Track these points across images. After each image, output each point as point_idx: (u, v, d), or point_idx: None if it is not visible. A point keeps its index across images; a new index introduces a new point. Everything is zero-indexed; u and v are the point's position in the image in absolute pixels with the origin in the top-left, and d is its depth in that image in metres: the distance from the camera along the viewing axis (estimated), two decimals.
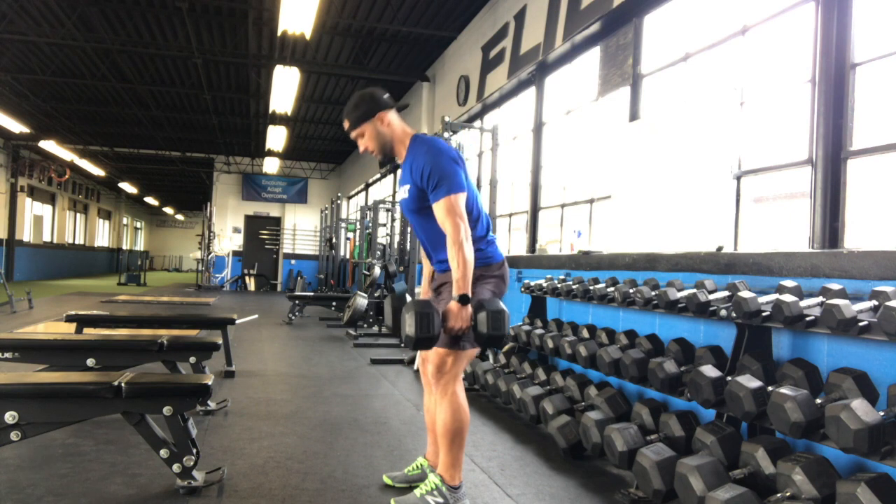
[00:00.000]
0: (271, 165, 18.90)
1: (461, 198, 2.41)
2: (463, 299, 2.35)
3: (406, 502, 2.54)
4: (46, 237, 22.11)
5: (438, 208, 2.42)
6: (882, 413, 2.07)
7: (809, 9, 3.75)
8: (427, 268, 2.91)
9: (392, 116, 2.61)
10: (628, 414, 3.38)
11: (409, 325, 2.28)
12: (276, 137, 14.57)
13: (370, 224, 12.21)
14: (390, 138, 2.61)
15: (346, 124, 2.63)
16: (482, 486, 2.89)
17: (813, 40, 3.68)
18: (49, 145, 16.57)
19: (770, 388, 2.43)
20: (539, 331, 4.52)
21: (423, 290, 2.95)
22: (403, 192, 2.62)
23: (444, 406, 2.50)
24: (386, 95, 2.64)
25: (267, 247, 20.90)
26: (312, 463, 3.11)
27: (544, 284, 4.78)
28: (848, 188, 3.48)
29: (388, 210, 11.70)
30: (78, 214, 26.00)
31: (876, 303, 2.36)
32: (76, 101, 14.34)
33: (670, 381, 3.02)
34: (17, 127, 14.00)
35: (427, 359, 2.67)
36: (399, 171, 2.74)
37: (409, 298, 2.68)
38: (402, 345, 2.39)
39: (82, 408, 2.59)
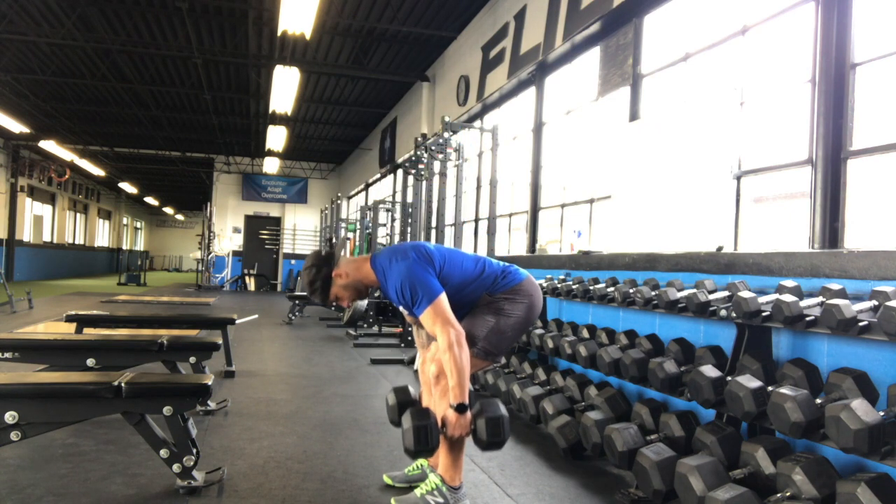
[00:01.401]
0: (271, 165, 18.90)
1: (441, 301, 2.44)
2: (460, 408, 2.37)
3: (406, 502, 2.54)
4: (46, 237, 22.11)
5: (425, 319, 2.45)
6: (882, 413, 2.07)
7: (809, 9, 3.75)
8: (421, 357, 2.92)
9: (343, 267, 2.66)
10: (628, 414, 3.38)
11: (407, 440, 2.33)
12: (276, 137, 14.57)
13: (370, 224, 12.22)
14: (356, 281, 2.67)
15: (318, 300, 2.70)
16: (482, 486, 2.89)
17: (813, 40, 3.68)
18: (49, 145, 16.57)
19: (770, 388, 2.43)
20: (539, 331, 4.51)
21: (424, 396, 2.89)
22: (403, 309, 2.68)
23: (444, 407, 2.50)
24: (323, 253, 2.70)
25: (267, 247, 20.90)
26: (312, 463, 3.11)
27: (544, 284, 4.78)
28: (848, 188, 3.48)
29: (388, 210, 11.70)
30: (78, 214, 26.00)
31: (876, 303, 2.36)
32: (76, 101, 14.34)
33: (670, 381, 3.02)
34: (17, 127, 14.00)
35: (427, 360, 2.67)
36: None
37: (412, 391, 2.71)
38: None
39: (82, 408, 2.59)
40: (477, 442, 2.39)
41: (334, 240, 16.17)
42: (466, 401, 2.38)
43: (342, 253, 2.76)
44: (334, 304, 2.75)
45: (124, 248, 32.81)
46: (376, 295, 8.59)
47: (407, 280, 2.46)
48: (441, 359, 2.42)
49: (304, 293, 12.76)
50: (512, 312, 2.60)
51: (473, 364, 2.57)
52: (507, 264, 2.77)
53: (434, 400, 2.60)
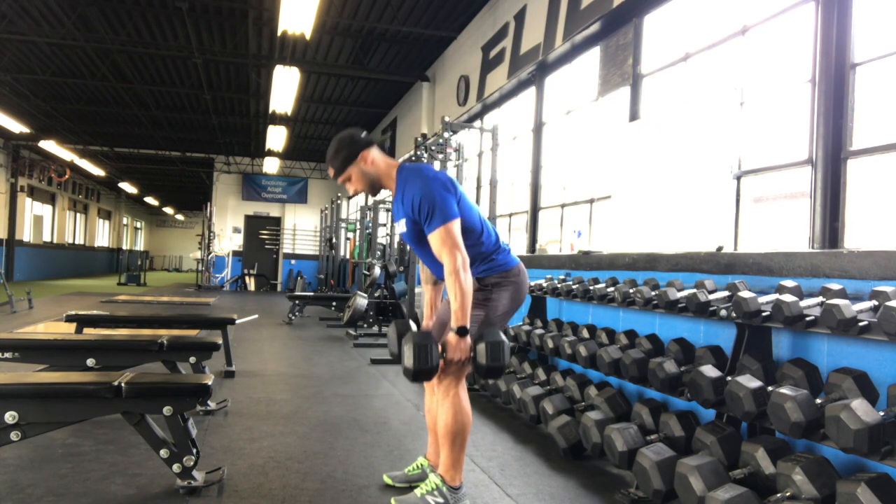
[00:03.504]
0: (271, 165, 18.90)
1: (455, 225, 2.41)
2: (461, 331, 2.36)
3: (406, 502, 2.54)
4: (46, 237, 22.11)
5: (434, 239, 2.42)
6: (882, 413, 2.07)
7: (809, 9, 3.75)
8: (429, 294, 2.91)
9: (374, 153, 2.63)
10: (628, 414, 3.38)
11: (407, 358, 2.30)
12: (276, 137, 14.57)
13: (370, 224, 12.21)
14: (376, 175, 2.63)
15: (331, 172, 2.65)
16: (482, 486, 2.89)
17: (813, 40, 3.68)
18: (49, 145, 16.57)
19: (770, 388, 2.43)
20: (539, 331, 4.51)
21: (425, 318, 2.92)
22: (401, 226, 2.63)
23: (445, 407, 2.50)
24: (364, 134, 2.65)
25: (267, 247, 20.90)
26: (312, 463, 3.11)
27: (544, 284, 4.78)
28: (848, 188, 3.48)
29: (388, 210, 11.69)
30: (78, 214, 26.00)
31: (876, 303, 2.36)
32: (76, 101, 14.34)
33: (670, 381, 3.02)
34: (17, 127, 14.00)
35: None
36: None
37: (412, 326, 2.68)
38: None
39: (82, 408, 2.59)
40: (477, 367, 2.36)
41: (334, 240, 16.18)
42: (468, 324, 2.36)
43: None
44: (342, 183, 2.64)
45: (124, 248, 32.81)
46: (376, 294, 8.59)
47: (428, 196, 2.42)
48: (446, 282, 2.39)
49: (304, 293, 12.76)
50: (498, 301, 2.57)
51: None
52: (497, 233, 2.71)
53: (437, 399, 2.60)
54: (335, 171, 2.63)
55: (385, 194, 13.69)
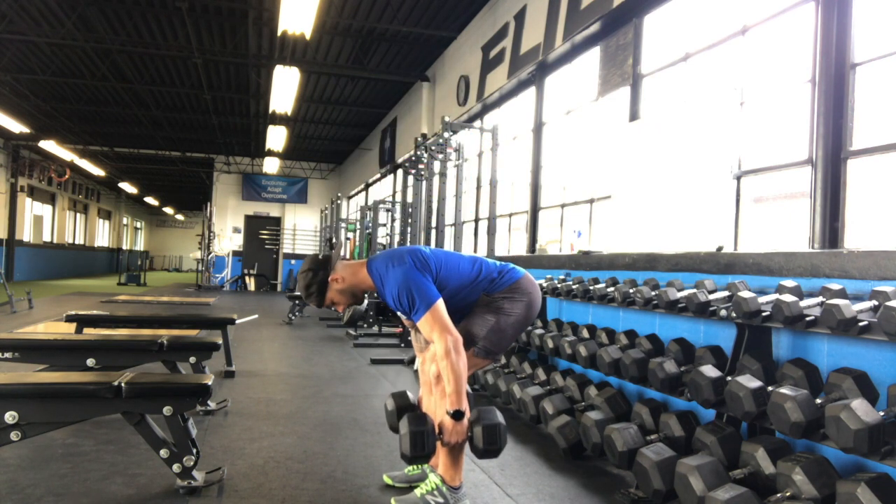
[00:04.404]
0: (271, 165, 18.90)
1: (438, 307, 2.43)
2: (457, 415, 2.36)
3: (406, 502, 2.54)
4: (46, 237, 22.11)
5: (422, 325, 2.45)
6: (882, 413, 2.07)
7: (809, 9, 3.75)
8: (421, 358, 2.90)
9: (339, 271, 2.65)
10: (628, 414, 3.38)
11: (404, 444, 2.33)
12: (276, 137, 14.57)
13: (370, 224, 12.22)
14: (351, 289, 2.67)
15: (313, 303, 2.69)
16: (482, 486, 2.89)
17: (813, 40, 3.68)
18: (49, 145, 16.57)
19: (770, 388, 2.43)
20: (539, 331, 4.51)
21: (422, 389, 2.90)
22: (402, 316, 2.67)
23: (444, 410, 2.50)
24: (320, 256, 2.68)
25: (267, 247, 20.90)
26: (312, 463, 3.11)
27: (544, 284, 4.78)
28: (848, 188, 3.48)
29: (388, 210, 11.70)
30: (78, 214, 26.00)
31: (876, 303, 2.36)
32: (76, 101, 14.34)
33: (670, 381, 3.02)
34: (17, 127, 14.00)
35: (427, 359, 2.67)
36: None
37: (410, 398, 2.71)
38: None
39: (82, 408, 2.59)
40: (473, 449, 2.39)
41: (334, 240, 16.18)
42: (463, 408, 2.37)
43: (341, 255, 2.73)
44: (329, 307, 2.73)
45: (124, 248, 32.81)
46: (375, 296, 8.58)
47: (404, 286, 2.45)
48: (438, 365, 2.42)
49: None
50: (511, 311, 2.60)
51: (474, 363, 2.57)
52: (503, 263, 2.76)
53: (434, 399, 2.60)
54: (317, 304, 2.68)
55: (384, 194, 13.62)
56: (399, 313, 2.63)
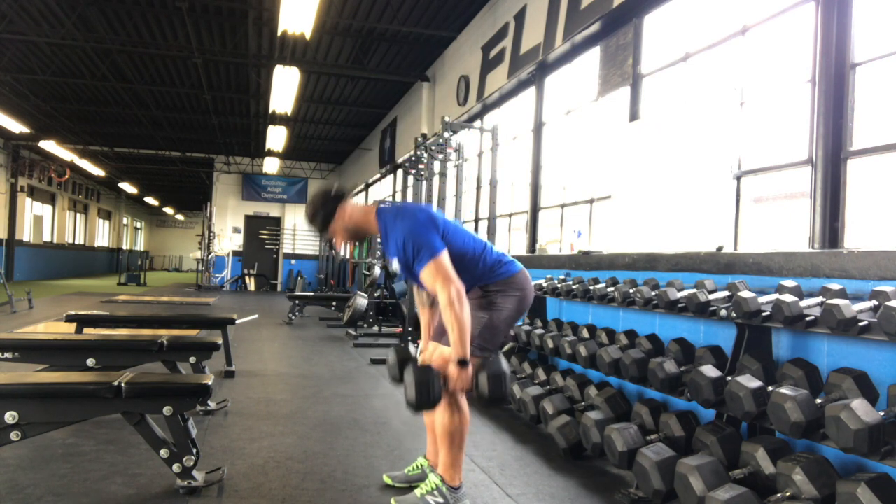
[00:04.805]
0: (271, 165, 18.90)
1: (443, 258, 2.44)
2: (462, 362, 2.38)
3: (406, 502, 2.55)
4: (46, 237, 22.10)
5: (425, 275, 2.45)
6: (882, 413, 2.07)
7: (809, 9, 3.75)
8: (425, 317, 2.92)
9: (349, 207, 2.67)
10: (628, 414, 3.38)
11: (409, 393, 2.35)
12: (276, 137, 14.57)
13: None
14: (355, 227, 2.69)
15: (315, 228, 2.71)
16: (482, 486, 2.89)
17: (813, 40, 3.67)
18: (49, 145, 16.57)
19: (770, 388, 2.43)
20: (539, 331, 4.51)
21: (423, 341, 2.93)
22: (395, 265, 2.66)
23: (443, 407, 2.51)
24: (335, 190, 2.69)
25: (267, 247, 20.90)
26: (312, 463, 3.11)
27: (544, 284, 4.78)
28: (848, 188, 3.48)
29: None
30: (78, 214, 26.00)
31: (876, 303, 2.36)
32: (76, 101, 14.34)
33: (670, 381, 3.02)
34: (17, 127, 14.00)
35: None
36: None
37: (413, 351, 2.73)
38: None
39: (82, 408, 2.59)
40: (479, 398, 2.41)
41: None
42: (468, 356, 2.38)
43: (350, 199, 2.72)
44: (329, 240, 2.69)
45: (124, 248, 32.80)
46: (376, 295, 8.59)
47: (410, 235, 2.46)
48: (443, 316, 2.42)
49: (304, 293, 12.75)
50: (503, 306, 2.60)
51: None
52: (503, 253, 2.76)
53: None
54: (319, 232, 2.70)
55: (384, 194, 13.65)
56: (396, 264, 2.61)
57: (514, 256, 2.82)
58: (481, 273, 2.61)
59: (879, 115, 3.42)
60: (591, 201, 6.19)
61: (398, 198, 11.18)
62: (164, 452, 2.60)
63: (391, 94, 13.36)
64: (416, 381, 2.33)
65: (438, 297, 2.41)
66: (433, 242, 2.46)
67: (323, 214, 2.64)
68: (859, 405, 2.03)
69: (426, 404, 2.36)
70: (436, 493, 2.52)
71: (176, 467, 2.61)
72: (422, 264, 2.43)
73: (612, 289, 3.94)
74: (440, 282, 2.39)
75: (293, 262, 20.63)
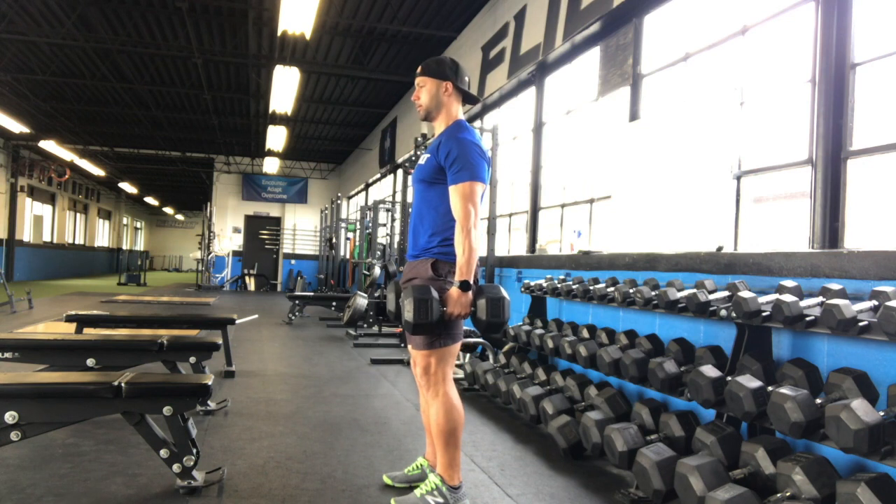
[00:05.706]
0: (271, 165, 18.90)
1: (479, 188, 2.48)
2: (464, 285, 2.40)
3: (406, 502, 2.54)
4: (46, 237, 22.10)
5: (455, 191, 2.47)
6: (882, 413, 2.07)
7: (809, 9, 3.75)
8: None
9: (456, 92, 2.69)
10: (628, 414, 3.38)
11: (407, 311, 2.33)
12: (276, 137, 14.57)
13: (370, 224, 12.22)
14: (438, 105, 2.69)
15: (420, 69, 2.71)
16: (482, 486, 2.89)
17: (813, 40, 3.67)
18: (49, 145, 16.57)
19: (770, 388, 2.43)
20: (539, 331, 4.52)
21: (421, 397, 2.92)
22: (422, 160, 2.68)
23: (436, 407, 2.52)
24: (467, 78, 2.74)
25: (267, 247, 20.90)
26: (312, 463, 3.11)
27: (544, 284, 4.78)
28: (848, 188, 3.48)
29: (388, 210, 11.70)
30: (78, 214, 26.00)
31: (876, 303, 2.36)
32: (76, 101, 14.34)
33: (670, 381, 3.02)
34: (17, 127, 14.00)
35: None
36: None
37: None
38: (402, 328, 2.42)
39: (82, 408, 2.59)
40: (476, 322, 2.41)
41: (334, 240, 16.18)
42: (471, 280, 2.41)
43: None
44: (416, 84, 2.69)
45: (124, 248, 32.81)
46: (376, 295, 8.58)
47: (464, 152, 2.48)
48: (455, 235, 2.45)
49: (304, 293, 12.75)
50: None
51: (451, 352, 2.56)
52: None
53: (428, 399, 2.60)
54: (422, 71, 2.69)
55: (384, 194, 13.63)
56: (424, 158, 2.61)
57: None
58: (436, 259, 2.54)
59: (879, 115, 3.42)
60: (591, 201, 6.19)
61: (398, 198, 11.17)
62: (164, 452, 2.60)
63: (391, 94, 13.37)
64: (414, 300, 2.32)
65: (456, 216, 2.44)
66: (480, 170, 2.49)
67: (441, 70, 2.65)
68: (859, 405, 2.03)
69: (424, 324, 2.34)
70: (436, 492, 2.52)
71: (176, 467, 2.61)
72: (459, 179, 2.45)
73: (612, 289, 3.94)
74: (466, 203, 2.42)
75: (293, 262, 20.63)
